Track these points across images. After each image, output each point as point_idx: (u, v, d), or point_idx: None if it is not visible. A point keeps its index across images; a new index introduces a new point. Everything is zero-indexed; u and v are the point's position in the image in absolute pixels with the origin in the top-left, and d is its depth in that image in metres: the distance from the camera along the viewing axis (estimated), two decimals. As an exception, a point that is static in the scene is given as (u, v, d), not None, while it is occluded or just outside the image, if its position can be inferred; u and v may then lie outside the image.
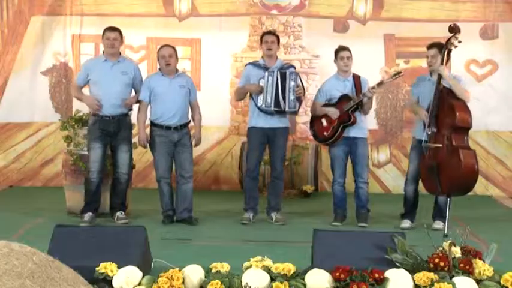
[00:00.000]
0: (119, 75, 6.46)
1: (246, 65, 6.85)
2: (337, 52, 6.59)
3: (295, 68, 6.83)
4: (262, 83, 6.50)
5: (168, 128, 6.49)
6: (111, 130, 6.44)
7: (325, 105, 6.62)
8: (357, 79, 6.57)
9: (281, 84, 6.46)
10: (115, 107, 6.44)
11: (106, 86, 6.43)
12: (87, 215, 6.37)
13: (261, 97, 6.51)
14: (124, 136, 6.53)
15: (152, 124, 6.59)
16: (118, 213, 6.50)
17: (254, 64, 6.73)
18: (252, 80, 6.60)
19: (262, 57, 6.75)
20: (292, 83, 6.49)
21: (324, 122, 6.63)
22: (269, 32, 6.82)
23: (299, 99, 6.59)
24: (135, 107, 6.69)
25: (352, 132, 6.49)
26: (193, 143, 6.67)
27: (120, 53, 6.66)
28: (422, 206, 6.49)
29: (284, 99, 6.45)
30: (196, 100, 6.74)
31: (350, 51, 6.57)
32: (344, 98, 6.51)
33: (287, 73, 6.51)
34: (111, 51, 6.50)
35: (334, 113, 6.54)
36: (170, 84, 6.54)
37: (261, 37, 6.75)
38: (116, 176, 6.56)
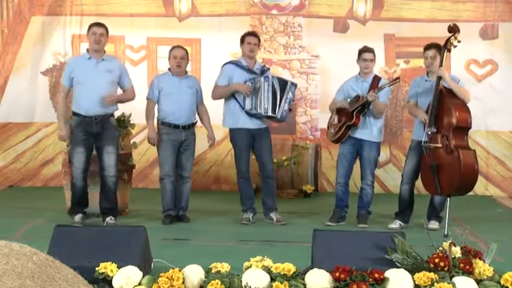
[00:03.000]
0: (104, 73, 6.27)
1: (225, 64, 6.74)
2: (360, 52, 6.51)
3: (269, 70, 6.93)
4: (250, 85, 6.49)
5: (176, 127, 6.53)
6: (94, 131, 6.24)
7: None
8: (375, 81, 6.48)
9: (280, 92, 6.49)
10: (98, 106, 6.23)
11: (90, 84, 6.20)
12: (78, 216, 6.32)
13: (250, 100, 6.50)
14: (109, 137, 6.32)
15: (160, 123, 6.62)
16: (108, 219, 6.30)
17: (236, 64, 6.67)
18: (236, 80, 6.58)
19: (242, 56, 6.72)
20: (290, 95, 6.55)
21: (335, 120, 6.64)
22: (252, 34, 6.75)
23: (290, 111, 6.66)
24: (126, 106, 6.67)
25: (360, 133, 6.47)
26: (209, 143, 6.78)
27: (104, 51, 6.45)
28: (419, 207, 6.48)
29: (279, 107, 6.49)
30: (203, 102, 6.77)
31: (374, 53, 6.50)
32: (357, 98, 6.50)
33: (288, 83, 6.58)
34: (96, 48, 6.27)
35: (344, 105, 6.52)
36: (179, 84, 6.58)
37: (243, 37, 6.66)
38: (103, 180, 6.36)
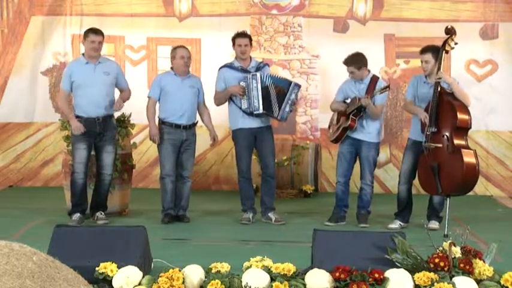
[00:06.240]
0: (102, 76, 6.42)
1: (220, 68, 6.75)
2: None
3: (269, 66, 6.89)
4: (243, 84, 6.49)
5: (178, 126, 6.55)
6: (97, 131, 6.40)
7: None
8: (373, 82, 6.48)
9: (277, 92, 6.46)
10: (100, 108, 6.40)
11: (90, 88, 6.37)
12: (76, 216, 6.35)
13: (244, 100, 6.50)
14: (110, 137, 6.50)
15: (161, 122, 6.63)
16: (98, 214, 6.47)
17: (230, 66, 6.68)
18: (230, 82, 6.59)
19: (235, 58, 6.73)
20: (293, 96, 6.54)
21: (334, 120, 6.66)
22: (241, 34, 6.67)
23: (290, 111, 6.65)
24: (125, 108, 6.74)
25: (358, 134, 6.47)
26: (211, 141, 6.79)
27: (99, 54, 6.57)
28: (419, 207, 6.48)
29: (280, 107, 6.48)
30: (204, 101, 6.78)
31: (355, 65, 6.43)
32: (354, 100, 6.49)
33: (292, 84, 6.56)
34: (95, 55, 6.43)
35: (342, 106, 6.54)
36: (181, 84, 6.61)
37: (233, 39, 6.65)
38: (100, 178, 6.53)
